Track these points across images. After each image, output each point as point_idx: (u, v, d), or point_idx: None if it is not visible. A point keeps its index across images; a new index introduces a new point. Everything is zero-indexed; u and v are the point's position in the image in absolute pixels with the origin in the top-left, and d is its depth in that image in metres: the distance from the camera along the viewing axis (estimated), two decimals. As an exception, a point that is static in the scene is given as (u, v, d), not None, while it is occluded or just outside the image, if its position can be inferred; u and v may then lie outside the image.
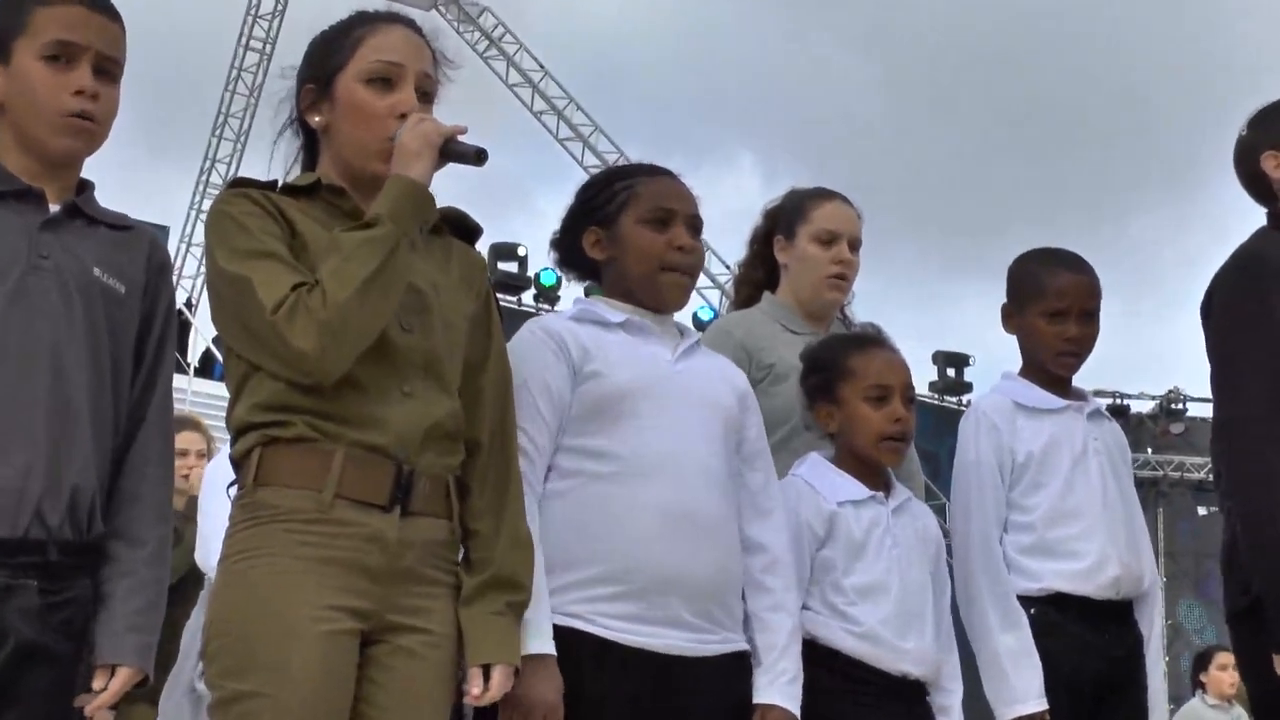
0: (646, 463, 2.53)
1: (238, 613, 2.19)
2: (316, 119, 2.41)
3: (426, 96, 2.41)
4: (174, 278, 2.70)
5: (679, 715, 2.49)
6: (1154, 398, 19.56)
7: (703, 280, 18.19)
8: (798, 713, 2.59)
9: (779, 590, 2.67)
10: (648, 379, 2.60)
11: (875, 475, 2.93)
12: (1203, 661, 8.45)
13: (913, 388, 2.98)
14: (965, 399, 17.68)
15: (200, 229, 19.24)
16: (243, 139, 20.80)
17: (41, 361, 2.23)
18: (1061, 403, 3.15)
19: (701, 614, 2.52)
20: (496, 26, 21.11)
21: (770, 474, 2.77)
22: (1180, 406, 19.37)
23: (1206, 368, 2.93)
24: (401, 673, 2.24)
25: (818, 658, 2.72)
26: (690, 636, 2.51)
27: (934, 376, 18.36)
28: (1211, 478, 3.03)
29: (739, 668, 2.59)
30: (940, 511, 3.17)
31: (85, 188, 2.40)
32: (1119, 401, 18.76)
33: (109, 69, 2.35)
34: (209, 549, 4.00)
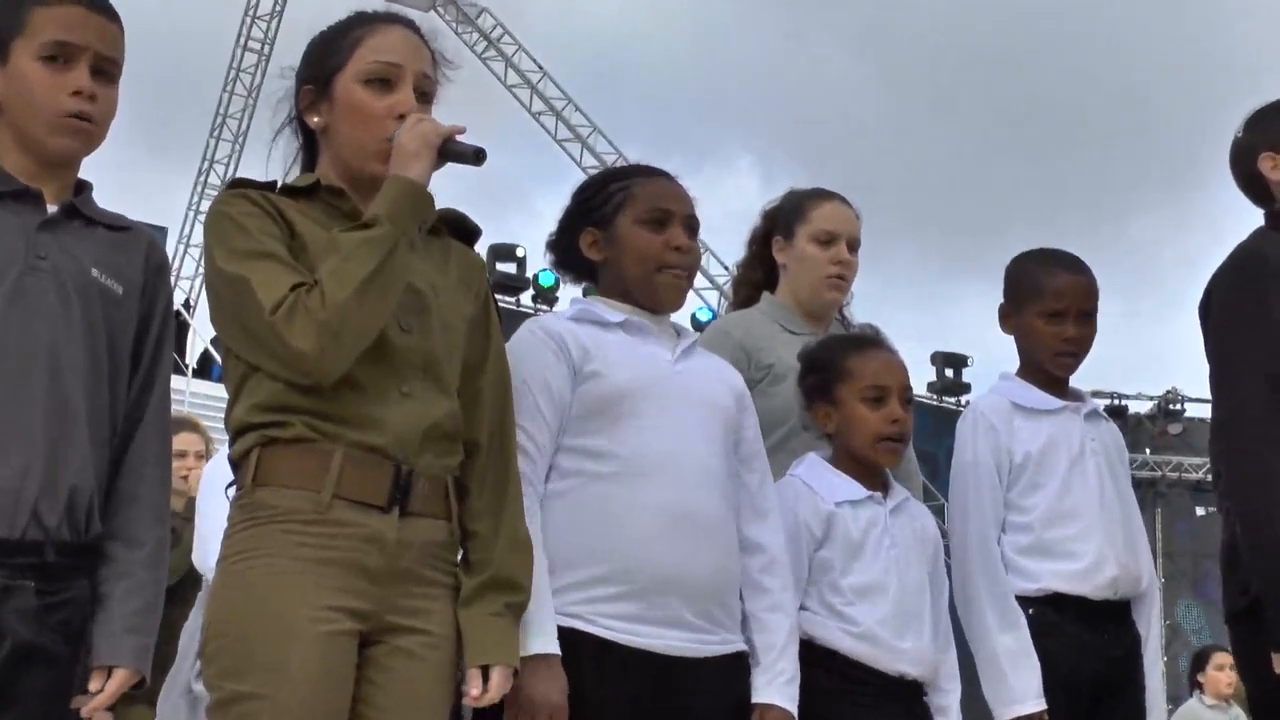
0: (647, 463, 2.53)
1: (236, 613, 2.19)
2: (315, 120, 2.41)
3: (425, 97, 2.41)
4: (172, 278, 2.70)
5: (679, 715, 2.49)
6: (1152, 398, 19.57)
7: (701, 281, 18.22)
8: (796, 713, 2.59)
9: (777, 590, 2.67)
10: (648, 379, 2.60)
11: (873, 476, 2.93)
12: (1200, 662, 8.45)
13: (910, 388, 2.99)
14: (964, 400, 17.67)
15: (198, 230, 19.25)
16: (241, 140, 20.79)
17: (39, 362, 2.23)
18: (1059, 403, 3.15)
19: (702, 614, 2.53)
20: (495, 27, 21.11)
21: (766, 474, 2.77)
22: (1178, 407, 19.37)
23: (1205, 368, 2.93)
24: (400, 674, 2.24)
25: (815, 658, 2.72)
26: (691, 637, 2.51)
27: (932, 377, 18.37)
28: (1210, 478, 3.03)
29: (738, 668, 2.59)
30: (939, 512, 3.18)
31: (83, 188, 2.39)
32: (1117, 402, 18.76)
33: (107, 69, 2.34)
34: (206, 550, 4.00)
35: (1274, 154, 3.00)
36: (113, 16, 2.37)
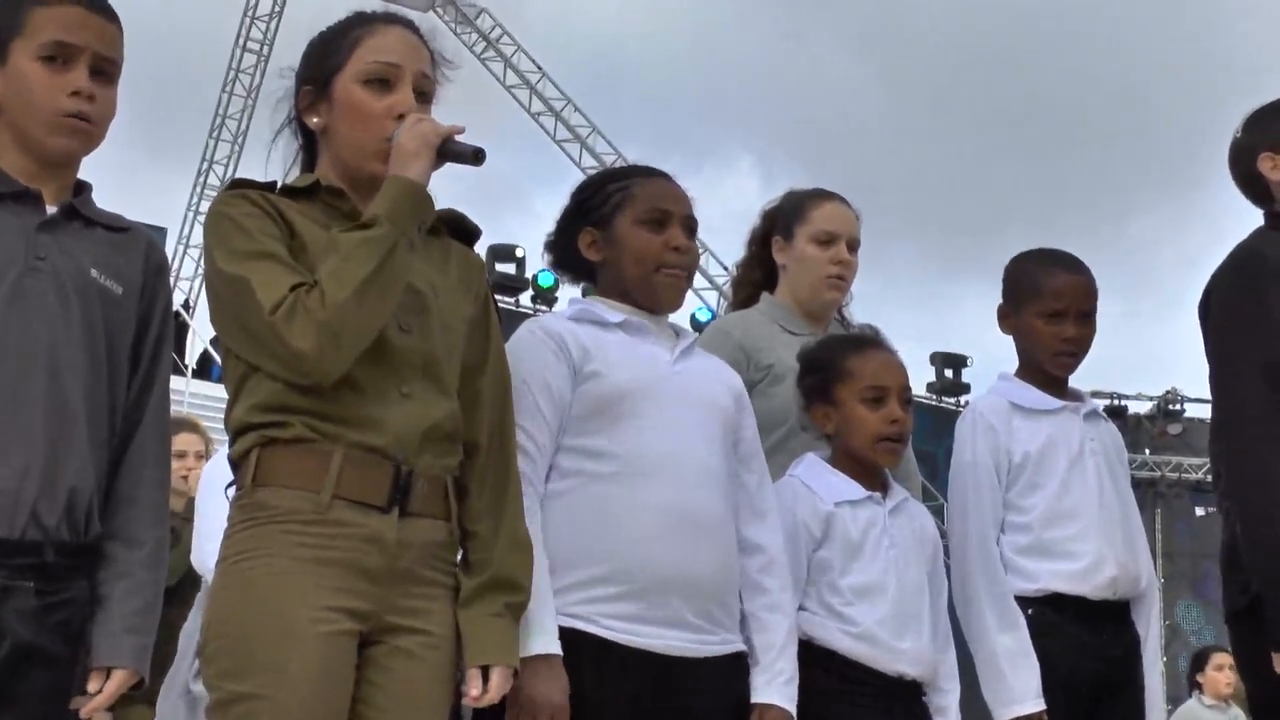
0: (647, 463, 2.53)
1: (236, 614, 2.19)
2: (314, 120, 2.41)
3: (424, 97, 2.41)
4: (171, 279, 2.70)
5: (679, 715, 2.49)
6: (1152, 398, 19.57)
7: (700, 281, 18.24)
8: (794, 712, 2.59)
9: (776, 590, 2.67)
10: (648, 379, 2.60)
11: (872, 476, 2.93)
12: (1199, 662, 8.45)
13: (909, 389, 2.98)
14: (963, 400, 17.67)
15: (198, 230, 19.26)
16: (240, 140, 20.79)
17: (38, 363, 2.23)
18: (1058, 403, 3.15)
19: (702, 614, 2.53)
20: (494, 28, 21.11)
21: (765, 475, 2.77)
22: (1178, 407, 19.37)
23: (1205, 368, 2.93)
24: (400, 674, 2.24)
25: (814, 658, 2.72)
26: (692, 637, 2.51)
27: (932, 377, 18.36)
28: (1209, 478, 3.03)
29: (738, 668, 2.59)
30: (938, 512, 3.18)
31: (83, 189, 2.39)
32: (1117, 402, 18.77)
33: (106, 70, 2.34)
34: (204, 549, 4.01)
35: (1273, 154, 3.00)
36: (112, 17, 2.37)
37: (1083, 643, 3.01)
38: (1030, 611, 3.00)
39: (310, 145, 2.47)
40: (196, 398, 12.92)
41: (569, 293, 3.03)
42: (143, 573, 2.33)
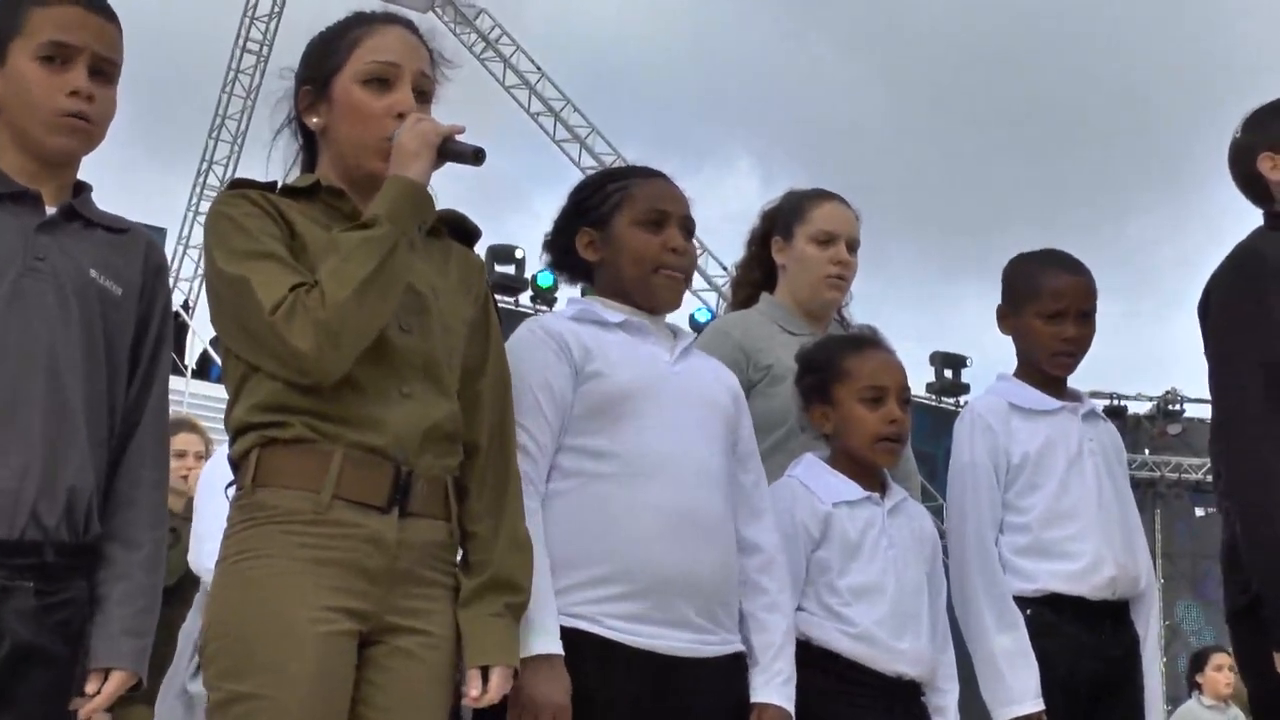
0: (648, 463, 2.53)
1: (236, 614, 2.19)
2: (314, 120, 2.41)
3: (424, 96, 2.41)
4: (171, 279, 2.70)
5: (679, 715, 2.49)
6: (1151, 398, 19.57)
7: (699, 282, 18.24)
8: (793, 712, 2.59)
9: (774, 590, 2.67)
10: (648, 379, 2.60)
11: (870, 476, 2.93)
12: (1199, 662, 8.44)
13: (908, 389, 2.98)
14: (962, 400, 17.66)
15: (197, 230, 19.26)
16: (240, 141, 20.79)
17: (38, 363, 2.23)
18: (1057, 404, 3.15)
19: (705, 614, 2.53)
20: (493, 28, 21.11)
21: (761, 475, 2.77)
22: (1178, 407, 19.38)
23: (1204, 368, 2.93)
24: (400, 674, 2.24)
25: (813, 658, 2.72)
26: (694, 638, 2.51)
27: (931, 377, 18.36)
28: (1209, 478, 3.03)
29: (738, 668, 2.59)
30: (937, 513, 3.18)
31: (82, 190, 2.39)
32: (1116, 402, 18.78)
33: (105, 70, 2.34)
34: (202, 549, 4.01)
35: (1273, 154, 3.00)
36: (111, 17, 2.37)
37: (1081, 643, 3.01)
38: (1029, 612, 3.00)
39: (310, 145, 2.47)
40: (196, 398, 12.92)
41: (568, 293, 3.03)
42: (141, 575, 2.33)
